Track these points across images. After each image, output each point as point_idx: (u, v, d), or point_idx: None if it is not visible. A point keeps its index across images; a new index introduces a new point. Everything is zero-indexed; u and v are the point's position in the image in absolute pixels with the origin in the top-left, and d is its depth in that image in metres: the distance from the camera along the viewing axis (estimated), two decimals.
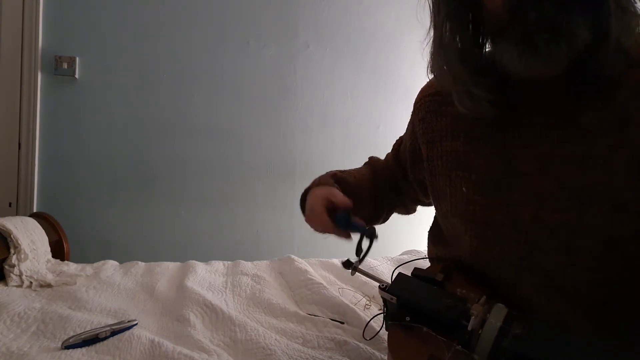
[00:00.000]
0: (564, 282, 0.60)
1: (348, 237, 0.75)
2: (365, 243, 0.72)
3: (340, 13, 2.39)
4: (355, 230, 0.72)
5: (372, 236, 0.71)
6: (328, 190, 0.77)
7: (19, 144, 1.99)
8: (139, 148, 2.16)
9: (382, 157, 0.99)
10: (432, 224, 0.86)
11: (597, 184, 0.57)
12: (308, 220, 0.79)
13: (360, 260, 0.72)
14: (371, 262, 1.56)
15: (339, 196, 0.75)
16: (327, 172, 0.89)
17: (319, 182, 0.83)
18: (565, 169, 0.59)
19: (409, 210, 0.98)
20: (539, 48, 0.53)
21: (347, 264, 0.74)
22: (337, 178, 0.84)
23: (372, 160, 0.98)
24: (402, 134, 0.95)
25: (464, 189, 0.68)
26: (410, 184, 0.88)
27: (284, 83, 2.33)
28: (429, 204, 0.95)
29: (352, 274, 0.75)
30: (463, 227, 0.69)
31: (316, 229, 0.78)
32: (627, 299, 0.58)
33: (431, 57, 0.66)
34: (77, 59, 2.05)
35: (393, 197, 0.93)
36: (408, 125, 0.88)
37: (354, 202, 0.77)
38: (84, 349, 0.88)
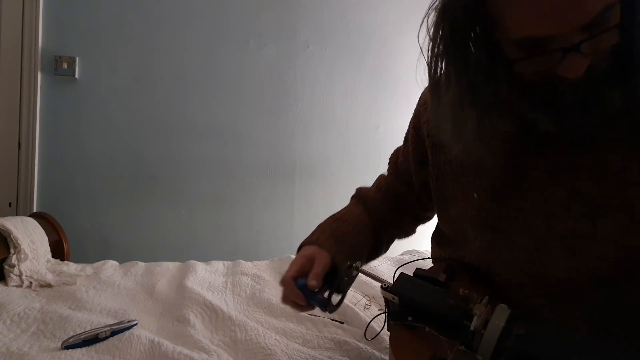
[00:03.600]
0: (571, 289, 0.60)
1: (304, 308, 0.73)
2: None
3: (340, 13, 2.39)
4: (314, 301, 0.71)
5: (325, 309, 0.70)
6: (312, 258, 0.74)
7: (19, 144, 1.99)
8: (139, 148, 2.16)
9: (383, 157, 0.97)
10: (436, 228, 0.85)
11: (611, 194, 0.56)
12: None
13: (336, 307, 0.71)
14: (371, 262, 1.56)
15: (316, 269, 0.71)
16: (326, 221, 0.85)
17: (317, 239, 0.79)
18: (578, 179, 0.58)
19: (408, 233, 0.97)
20: (575, 123, 0.55)
21: (348, 268, 0.74)
22: (336, 235, 0.80)
23: (362, 193, 0.93)
24: (400, 138, 0.94)
25: (475, 195, 0.67)
26: (416, 197, 0.86)
27: (284, 83, 2.33)
28: (429, 218, 0.94)
29: (355, 274, 0.74)
30: (473, 232, 0.69)
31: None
32: (635, 306, 0.57)
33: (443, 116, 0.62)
34: (77, 59, 2.04)
35: (391, 228, 0.91)
36: (408, 129, 0.87)
37: (353, 253, 0.77)
38: (84, 349, 0.88)
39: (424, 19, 0.57)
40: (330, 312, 0.70)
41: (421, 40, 0.59)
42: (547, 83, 0.54)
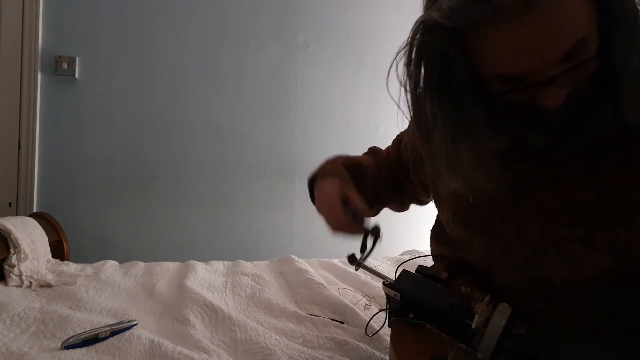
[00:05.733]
0: (569, 293, 0.60)
1: (362, 232, 0.72)
2: (369, 242, 0.72)
3: (340, 13, 2.39)
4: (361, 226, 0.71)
5: (378, 235, 0.70)
6: (346, 187, 0.74)
7: (19, 144, 1.99)
8: (139, 148, 2.15)
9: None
10: (435, 223, 0.85)
11: (606, 201, 0.57)
12: (322, 211, 0.76)
13: (365, 258, 0.71)
14: (372, 262, 1.56)
15: (357, 198, 0.73)
16: (335, 157, 0.86)
17: (332, 171, 0.80)
18: (573, 186, 0.58)
19: (403, 206, 0.96)
20: (564, 139, 0.56)
21: (351, 259, 0.74)
22: (349, 167, 0.82)
23: (374, 151, 0.96)
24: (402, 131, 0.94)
25: (470, 199, 0.67)
26: (411, 183, 0.87)
27: (284, 83, 2.33)
28: (426, 203, 0.94)
29: (356, 269, 0.74)
30: (469, 235, 0.69)
31: (328, 222, 0.75)
32: (633, 310, 0.57)
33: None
34: (77, 59, 2.04)
35: (392, 191, 0.91)
36: (409, 124, 0.87)
37: (361, 189, 0.77)
38: (83, 349, 0.87)
39: (391, 66, 0.56)
40: (357, 265, 0.71)
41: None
42: (533, 107, 0.54)
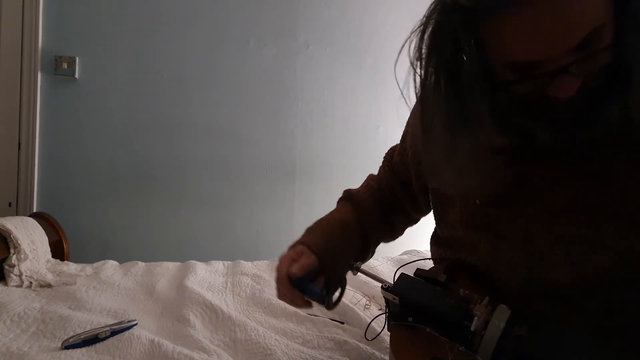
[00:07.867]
0: (573, 294, 0.60)
1: (302, 305, 0.74)
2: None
3: (340, 13, 2.39)
4: (310, 295, 0.71)
5: (323, 303, 0.70)
6: (301, 254, 0.74)
7: (19, 144, 1.99)
8: (139, 148, 2.15)
9: (380, 158, 0.97)
10: (435, 229, 0.85)
11: (614, 201, 0.56)
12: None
13: (335, 304, 0.71)
14: (372, 262, 1.56)
15: (302, 263, 0.71)
16: (314, 224, 0.84)
17: (305, 241, 0.79)
18: (580, 185, 0.58)
19: (395, 235, 0.94)
20: (575, 138, 0.55)
21: (349, 267, 0.74)
22: (329, 233, 0.80)
23: (350, 194, 0.91)
24: (394, 145, 0.93)
25: (477, 201, 0.66)
26: (411, 198, 0.86)
27: (284, 83, 2.33)
28: (416, 221, 0.93)
29: (354, 274, 0.75)
30: (476, 236, 0.68)
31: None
32: (635, 309, 0.57)
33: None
34: (77, 59, 2.04)
35: (380, 227, 0.88)
36: (406, 129, 0.86)
37: (340, 252, 0.78)
38: (83, 349, 0.88)
39: (405, 41, 0.56)
40: (329, 309, 0.70)
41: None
42: (543, 100, 0.53)
